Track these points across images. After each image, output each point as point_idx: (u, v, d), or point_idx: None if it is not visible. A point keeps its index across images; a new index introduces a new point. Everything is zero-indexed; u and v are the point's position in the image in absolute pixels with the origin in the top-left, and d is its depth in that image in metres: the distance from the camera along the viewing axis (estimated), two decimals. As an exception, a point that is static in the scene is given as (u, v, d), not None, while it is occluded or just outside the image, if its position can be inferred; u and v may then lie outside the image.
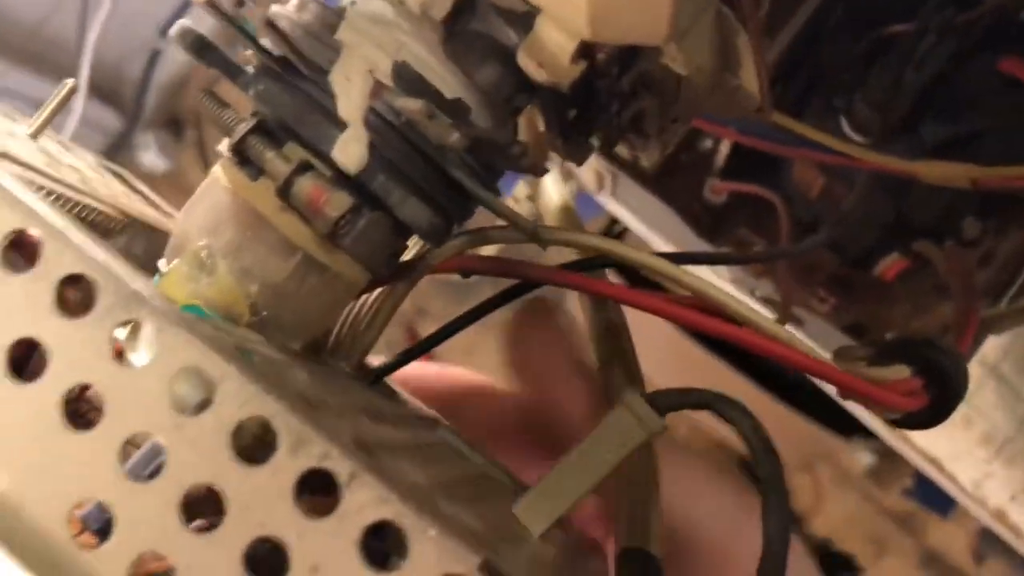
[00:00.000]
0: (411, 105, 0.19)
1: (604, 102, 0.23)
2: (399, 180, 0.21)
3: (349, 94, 0.21)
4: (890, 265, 0.41)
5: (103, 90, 1.23)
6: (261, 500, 0.15)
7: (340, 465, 0.15)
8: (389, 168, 0.21)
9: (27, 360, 0.16)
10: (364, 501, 0.15)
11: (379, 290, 0.27)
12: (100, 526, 0.15)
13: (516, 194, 0.37)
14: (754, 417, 0.19)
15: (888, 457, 1.04)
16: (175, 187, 1.37)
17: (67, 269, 0.16)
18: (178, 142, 1.36)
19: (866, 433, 0.94)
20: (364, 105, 0.21)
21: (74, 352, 0.15)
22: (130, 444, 0.15)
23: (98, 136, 1.23)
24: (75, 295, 0.16)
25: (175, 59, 1.34)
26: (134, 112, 1.30)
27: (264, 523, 0.15)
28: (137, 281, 0.16)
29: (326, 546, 0.14)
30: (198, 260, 0.22)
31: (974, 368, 0.55)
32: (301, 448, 0.15)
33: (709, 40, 0.21)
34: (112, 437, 0.15)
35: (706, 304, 0.23)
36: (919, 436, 0.55)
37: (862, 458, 1.14)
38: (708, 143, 0.45)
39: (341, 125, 0.21)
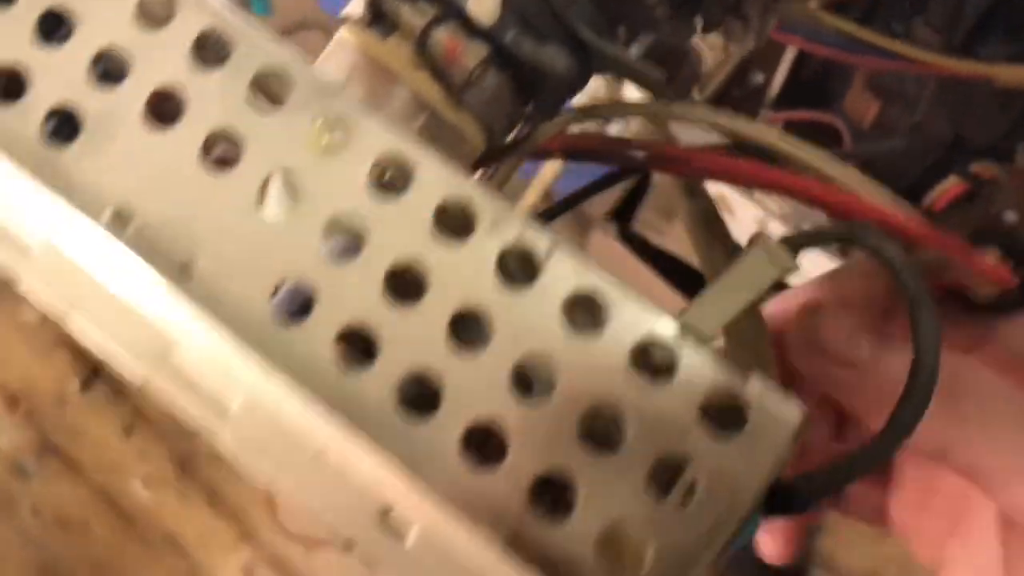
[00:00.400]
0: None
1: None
2: (530, 34, 0.22)
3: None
4: (945, 190, 0.42)
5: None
6: (463, 275, 0.15)
7: (538, 241, 0.15)
8: (520, 22, 0.22)
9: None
10: (562, 273, 0.15)
11: (481, 171, 0.28)
12: (293, 309, 0.16)
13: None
14: (895, 242, 0.19)
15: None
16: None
17: (260, 62, 0.16)
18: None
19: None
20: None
21: (271, 141, 0.16)
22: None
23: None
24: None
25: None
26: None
27: (466, 296, 0.15)
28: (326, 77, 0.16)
29: (527, 316, 0.15)
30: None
31: None
32: (498, 227, 0.15)
33: None
34: (314, 220, 0.16)
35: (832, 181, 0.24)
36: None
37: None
38: (760, 78, 0.46)
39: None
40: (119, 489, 1.35)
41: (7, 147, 0.16)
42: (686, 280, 1.10)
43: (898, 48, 0.34)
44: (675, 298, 1.10)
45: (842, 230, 0.20)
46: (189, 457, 1.35)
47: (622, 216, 1.12)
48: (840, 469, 0.18)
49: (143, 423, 1.36)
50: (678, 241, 1.05)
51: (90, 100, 0.16)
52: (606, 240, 1.17)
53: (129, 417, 1.36)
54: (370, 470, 0.15)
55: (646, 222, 1.10)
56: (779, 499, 0.18)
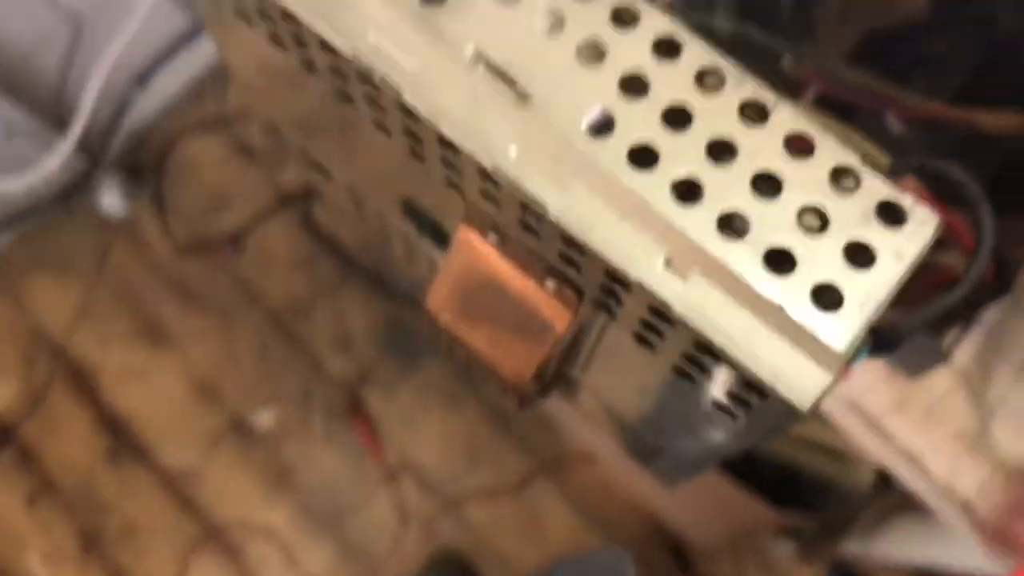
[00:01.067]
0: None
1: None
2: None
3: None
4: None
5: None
6: (715, 114, 0.23)
7: (768, 96, 0.24)
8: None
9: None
10: (785, 118, 0.23)
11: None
12: (598, 127, 0.23)
13: None
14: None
15: (807, 549, 1.14)
16: (130, 234, 1.40)
17: (574, -28, 0.24)
18: (138, 190, 1.41)
19: (799, 508, 1.05)
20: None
21: (583, 18, 0.24)
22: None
23: (62, 172, 1.27)
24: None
25: (145, 108, 1.41)
26: (99, 154, 1.35)
27: (718, 128, 0.23)
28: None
29: (762, 145, 0.23)
30: None
31: (946, 374, 0.67)
32: (741, 85, 0.24)
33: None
34: (612, 72, 0.24)
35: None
36: (900, 431, 0.65)
37: (783, 549, 1.23)
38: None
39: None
40: (14, 564, 1.31)
41: (386, 7, 0.23)
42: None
43: (899, 96, 0.44)
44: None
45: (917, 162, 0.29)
46: (95, 533, 1.33)
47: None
48: (919, 315, 0.27)
49: (49, 494, 1.34)
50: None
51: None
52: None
53: (35, 486, 1.33)
54: (659, 232, 0.22)
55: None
56: (880, 337, 0.26)
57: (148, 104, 1.38)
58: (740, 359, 0.22)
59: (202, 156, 1.39)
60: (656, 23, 0.24)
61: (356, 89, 0.25)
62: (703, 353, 0.23)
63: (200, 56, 1.41)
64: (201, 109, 1.41)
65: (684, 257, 0.22)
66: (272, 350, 1.38)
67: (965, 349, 0.67)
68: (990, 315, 0.67)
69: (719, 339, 0.22)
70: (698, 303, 0.22)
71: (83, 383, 1.36)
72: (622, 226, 0.22)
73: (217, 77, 1.44)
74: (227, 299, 1.40)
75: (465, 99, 0.23)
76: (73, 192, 1.33)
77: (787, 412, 0.22)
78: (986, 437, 0.66)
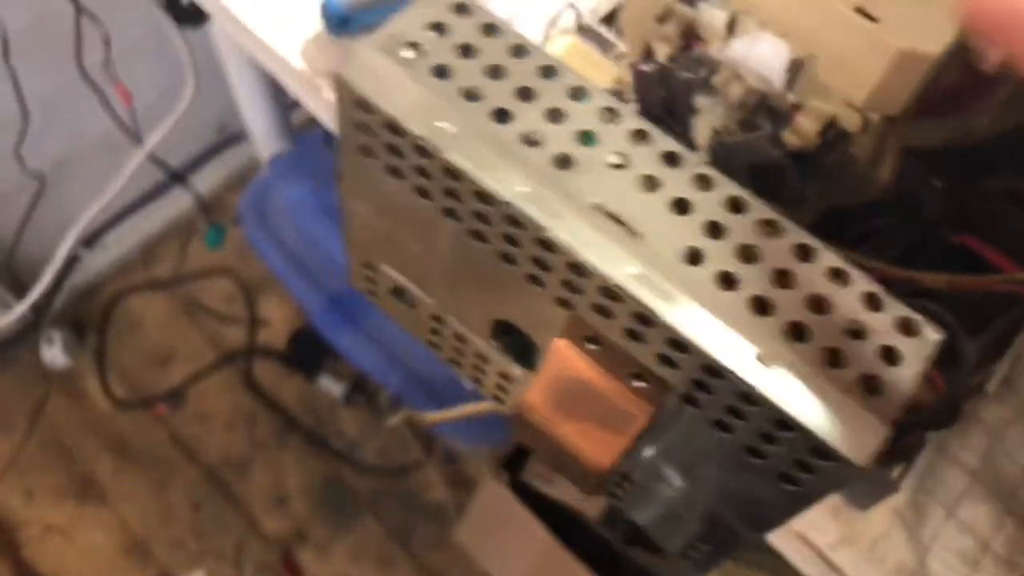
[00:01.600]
0: (755, 134, 0.39)
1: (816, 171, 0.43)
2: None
3: (702, 133, 0.40)
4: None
5: (20, 281, 1.31)
6: (777, 253, 0.32)
7: (812, 241, 0.32)
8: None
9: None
10: (830, 259, 0.32)
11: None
12: (691, 258, 0.31)
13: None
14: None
15: None
16: (69, 387, 1.41)
17: (661, 146, 0.33)
18: (80, 345, 1.42)
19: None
20: (707, 138, 0.40)
21: (646, 162, 0.33)
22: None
23: (10, 323, 1.29)
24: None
25: (93, 266, 1.45)
26: (43, 308, 1.38)
27: (777, 264, 0.32)
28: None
29: (812, 276, 0.32)
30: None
31: (885, 514, 0.75)
32: (793, 232, 0.32)
33: (876, 140, 0.42)
34: (698, 220, 0.32)
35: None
36: (847, 565, 0.73)
37: None
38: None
39: (696, 148, 0.40)
40: None
41: (528, 169, 0.32)
42: (570, 527, 1.24)
43: (853, 257, 0.54)
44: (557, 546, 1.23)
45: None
46: None
47: (512, 466, 1.27)
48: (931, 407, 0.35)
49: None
50: (564, 491, 1.19)
51: (578, 152, 0.33)
52: (497, 488, 1.30)
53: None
54: (747, 335, 0.30)
55: (534, 472, 1.25)
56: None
57: (97, 262, 1.41)
58: (813, 429, 0.29)
59: (146, 313, 1.43)
60: (727, 188, 0.33)
61: (495, 229, 0.33)
62: (779, 428, 0.30)
63: (151, 220, 1.46)
64: (150, 269, 1.45)
65: (767, 353, 0.30)
66: (206, 507, 1.38)
67: (902, 493, 0.76)
68: (920, 462, 0.77)
69: (797, 413, 0.29)
70: (780, 387, 0.30)
71: (2, 538, 1.32)
72: (721, 329, 0.30)
73: (167, 239, 1.50)
74: (163, 455, 1.40)
75: (592, 234, 0.31)
76: (14, 343, 1.34)
77: (845, 471, 0.29)
78: (923, 570, 0.75)
